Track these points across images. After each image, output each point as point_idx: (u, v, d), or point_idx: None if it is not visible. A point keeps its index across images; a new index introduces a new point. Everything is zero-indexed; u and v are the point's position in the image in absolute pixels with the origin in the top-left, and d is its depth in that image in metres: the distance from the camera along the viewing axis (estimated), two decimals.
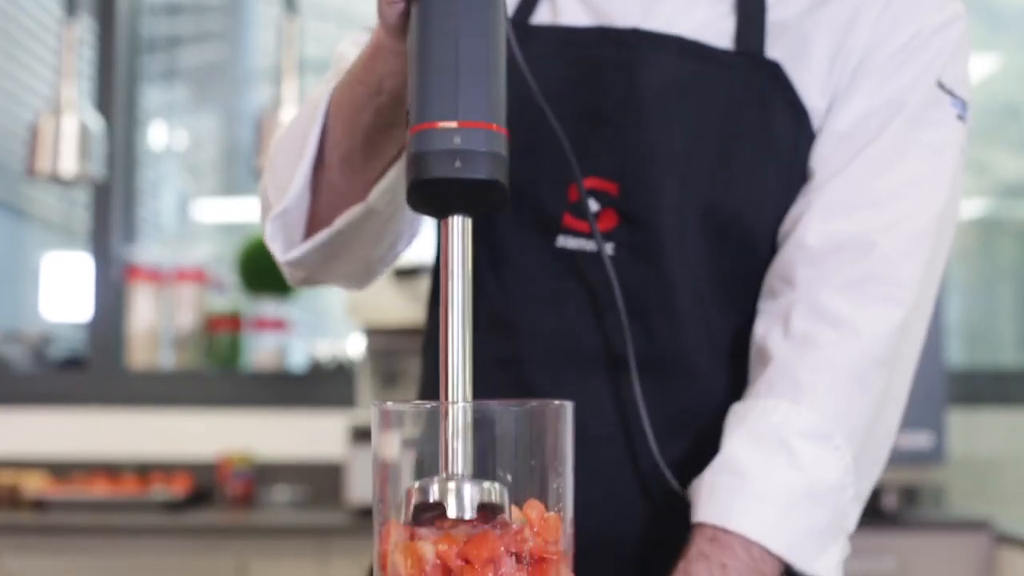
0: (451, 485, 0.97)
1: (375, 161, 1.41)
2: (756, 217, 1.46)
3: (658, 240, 1.44)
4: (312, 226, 1.47)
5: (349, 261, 1.55)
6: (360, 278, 1.63)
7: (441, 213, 1.05)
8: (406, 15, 1.15)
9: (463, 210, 1.04)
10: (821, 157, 1.45)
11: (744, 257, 1.47)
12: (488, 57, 1.07)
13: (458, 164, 1.02)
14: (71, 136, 3.91)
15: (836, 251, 1.40)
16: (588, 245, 1.45)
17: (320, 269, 1.55)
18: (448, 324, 1.03)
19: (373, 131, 1.37)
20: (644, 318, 1.45)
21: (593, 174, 1.45)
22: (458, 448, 0.98)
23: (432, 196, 1.04)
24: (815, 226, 1.41)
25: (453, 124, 1.03)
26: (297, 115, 1.49)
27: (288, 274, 1.55)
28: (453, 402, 1.00)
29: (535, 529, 0.98)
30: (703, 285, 1.46)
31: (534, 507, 0.98)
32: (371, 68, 1.31)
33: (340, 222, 1.45)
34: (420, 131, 1.04)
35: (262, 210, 1.52)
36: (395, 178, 1.43)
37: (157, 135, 5.68)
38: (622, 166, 1.45)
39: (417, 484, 0.98)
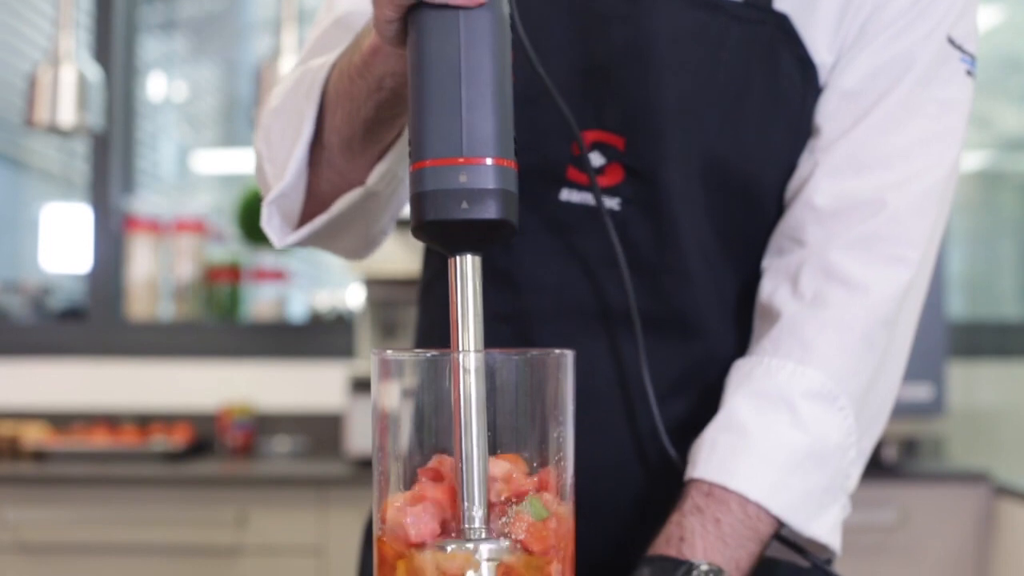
0: (469, 546, 0.95)
1: (375, 146, 1.38)
2: (762, 171, 1.44)
3: (664, 195, 1.43)
4: (310, 201, 1.45)
5: (349, 238, 1.53)
6: (360, 251, 1.60)
7: (449, 248, 1.01)
8: (404, 31, 1.09)
9: (472, 248, 1.00)
10: (827, 114, 1.43)
11: (749, 213, 1.46)
12: (494, 80, 1.01)
13: (465, 205, 0.98)
14: (69, 87, 3.89)
15: (846, 210, 1.39)
16: (592, 199, 1.43)
17: (319, 245, 1.53)
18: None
19: (373, 123, 1.33)
20: (652, 275, 1.44)
21: (598, 127, 1.43)
22: (471, 396, 0.97)
23: (439, 235, 1.00)
24: (825, 185, 1.40)
25: (458, 160, 0.99)
26: (293, 84, 1.44)
27: None
28: (463, 350, 0.99)
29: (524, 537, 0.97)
30: (709, 241, 1.45)
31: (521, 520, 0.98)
32: (371, 65, 1.27)
33: (337, 207, 1.43)
34: (423, 169, 0.99)
35: (259, 183, 1.50)
36: (395, 160, 1.41)
37: (156, 86, 5.67)
38: (628, 119, 1.43)
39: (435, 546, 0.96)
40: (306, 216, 1.46)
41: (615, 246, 1.39)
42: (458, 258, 1.00)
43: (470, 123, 0.99)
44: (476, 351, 0.98)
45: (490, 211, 0.98)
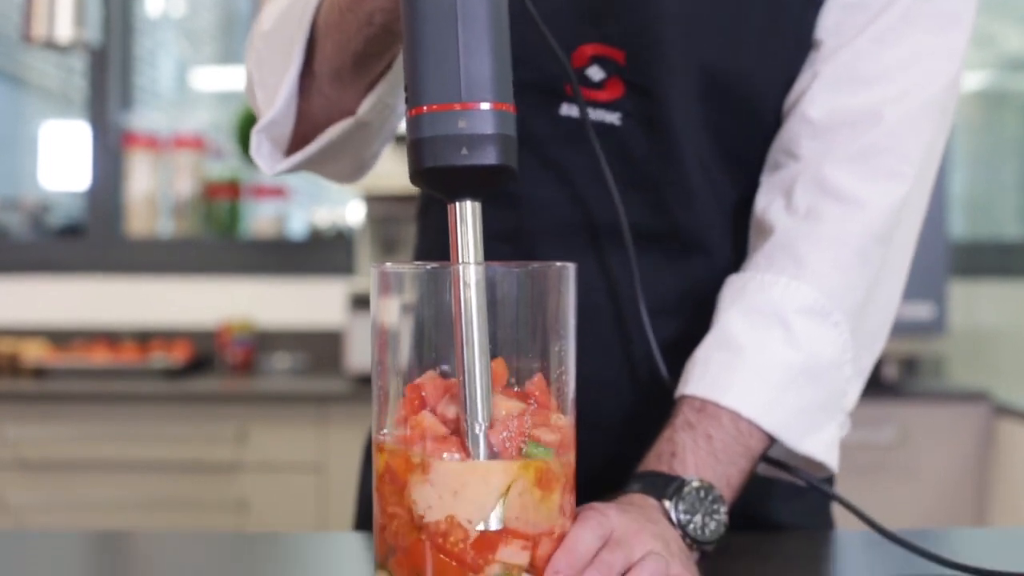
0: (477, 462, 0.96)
1: (364, 77, 1.37)
2: (763, 85, 1.43)
3: (665, 109, 1.41)
4: (301, 125, 1.43)
5: (340, 164, 1.52)
6: (352, 176, 1.59)
7: (449, 194, 1.00)
8: None
9: (471, 194, 1.00)
10: (828, 27, 1.41)
11: (750, 127, 1.44)
12: (490, 21, 1.00)
13: (465, 151, 0.97)
14: (66, 1, 3.86)
15: (841, 124, 1.37)
16: (595, 115, 1.42)
17: (309, 170, 1.52)
18: (464, 314, 0.97)
19: (363, 56, 1.32)
20: (652, 190, 1.43)
21: (598, 41, 1.41)
22: (473, 313, 0.96)
23: (438, 181, 0.99)
24: (821, 99, 1.39)
25: (457, 106, 0.97)
26: (286, 8, 1.42)
27: None
28: (464, 263, 0.98)
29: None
30: (709, 155, 1.43)
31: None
32: (360, 1, 1.25)
33: (328, 136, 1.42)
34: (421, 115, 0.98)
35: (250, 103, 1.49)
36: (386, 90, 1.39)
37: (154, 1, 5.62)
38: (628, 32, 1.41)
39: None
40: (296, 140, 1.45)
41: (600, 160, 1.38)
42: (458, 204, 1.00)
43: (468, 67, 0.98)
44: (476, 270, 0.97)
45: (489, 157, 0.98)
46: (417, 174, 0.99)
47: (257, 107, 1.45)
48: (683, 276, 1.44)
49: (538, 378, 0.99)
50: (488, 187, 1.00)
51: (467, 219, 0.99)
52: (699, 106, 1.42)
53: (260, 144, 1.43)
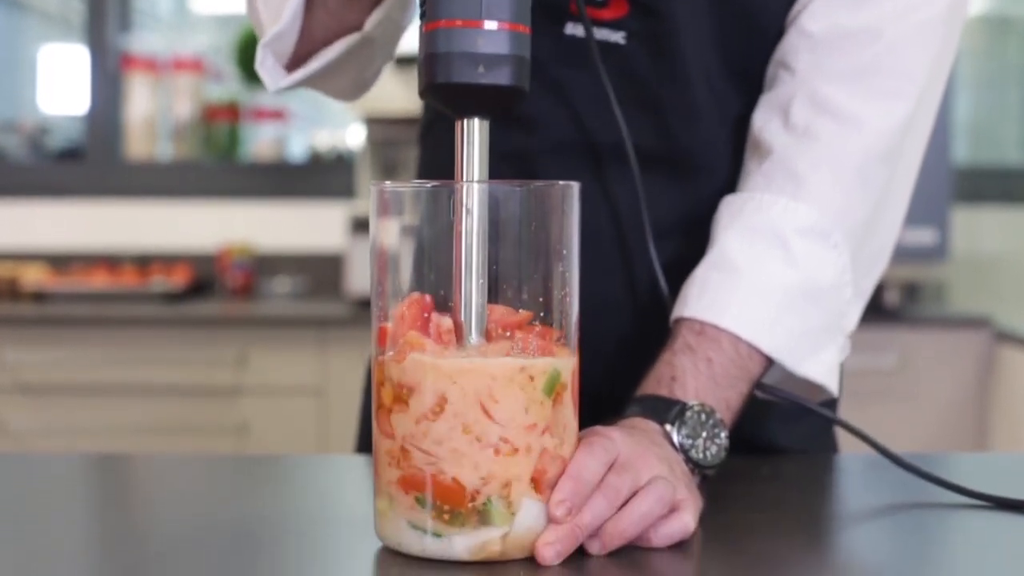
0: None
1: None
2: (770, 1, 1.41)
3: (670, 27, 1.39)
4: (301, 42, 1.42)
5: (341, 80, 1.51)
6: (352, 93, 1.58)
7: (457, 111, 1.01)
8: None
9: (479, 112, 1.00)
10: None
11: (758, 46, 1.42)
12: None
13: (481, 69, 0.97)
14: None
15: (839, 39, 1.35)
16: (599, 34, 1.40)
17: (310, 87, 1.51)
18: (464, 234, 0.97)
19: None
20: (658, 111, 1.41)
21: None
22: (473, 237, 0.96)
23: (449, 97, 1.00)
24: (822, 12, 1.36)
25: (476, 24, 0.97)
26: None
27: None
28: (468, 181, 0.98)
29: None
30: (716, 75, 1.41)
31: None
32: None
33: (334, 51, 1.41)
34: (439, 29, 0.98)
35: (251, 20, 1.47)
36: (394, 6, 1.39)
37: None
38: None
39: None
40: (297, 57, 1.44)
41: (604, 80, 1.36)
42: (465, 122, 1.00)
43: None
44: (479, 199, 0.97)
45: (504, 77, 0.98)
46: (429, 88, 1.00)
47: (259, 21, 1.43)
48: (685, 196, 1.43)
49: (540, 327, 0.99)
50: (498, 107, 1.01)
51: (474, 137, 1.00)
52: (705, 22, 1.40)
53: (265, 58, 1.42)
